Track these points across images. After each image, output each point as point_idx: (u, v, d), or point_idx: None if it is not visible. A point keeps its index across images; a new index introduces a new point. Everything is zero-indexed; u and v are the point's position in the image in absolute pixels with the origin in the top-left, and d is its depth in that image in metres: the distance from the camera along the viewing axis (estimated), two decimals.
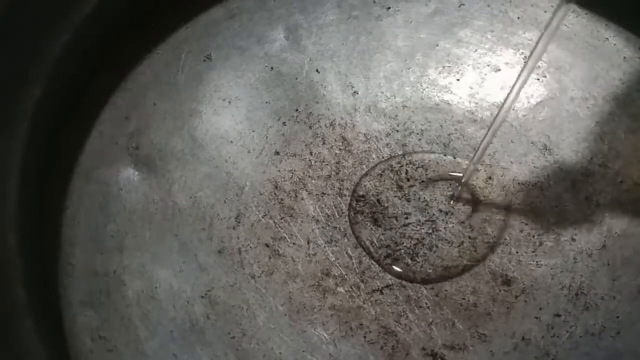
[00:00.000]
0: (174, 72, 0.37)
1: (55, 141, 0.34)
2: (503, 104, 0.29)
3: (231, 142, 0.36)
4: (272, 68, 0.38)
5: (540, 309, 0.32)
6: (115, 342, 0.28)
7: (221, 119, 0.37)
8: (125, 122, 0.35)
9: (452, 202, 0.35)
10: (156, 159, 0.34)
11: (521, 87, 0.28)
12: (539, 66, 0.39)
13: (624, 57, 0.38)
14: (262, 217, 0.34)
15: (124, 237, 0.32)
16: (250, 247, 0.33)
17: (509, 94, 0.29)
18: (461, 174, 0.35)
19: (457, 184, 0.35)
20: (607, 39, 0.38)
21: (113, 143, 0.34)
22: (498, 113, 0.30)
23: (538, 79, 0.39)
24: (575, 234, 0.34)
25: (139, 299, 0.30)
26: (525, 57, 0.39)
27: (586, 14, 0.39)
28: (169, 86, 0.36)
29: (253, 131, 0.37)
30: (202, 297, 0.31)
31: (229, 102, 0.37)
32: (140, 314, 0.29)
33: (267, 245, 0.34)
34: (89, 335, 0.28)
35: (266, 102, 0.38)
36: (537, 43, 0.27)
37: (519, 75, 0.28)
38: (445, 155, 0.37)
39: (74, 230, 0.31)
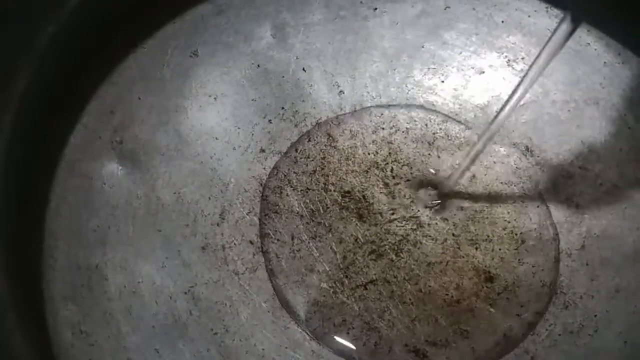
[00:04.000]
0: (160, 67, 0.37)
1: (40, 134, 0.33)
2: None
3: (216, 138, 0.36)
4: (258, 65, 0.38)
5: (521, 306, 0.32)
6: (97, 336, 0.28)
7: (207, 115, 0.37)
8: (110, 116, 0.35)
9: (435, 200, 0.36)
10: (140, 154, 0.34)
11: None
12: (522, 69, 0.39)
13: (604, 62, 0.38)
14: (247, 214, 0.34)
15: (106, 232, 0.31)
16: (235, 243, 0.33)
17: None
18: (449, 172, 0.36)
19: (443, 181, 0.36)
20: (589, 44, 0.39)
21: (97, 137, 0.34)
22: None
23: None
24: (556, 234, 0.35)
25: (121, 294, 0.30)
26: (509, 60, 0.40)
27: None
28: (154, 81, 0.36)
29: (239, 128, 0.37)
30: (185, 293, 0.31)
31: (215, 98, 0.37)
32: (122, 308, 0.29)
33: (251, 242, 0.34)
34: (70, 330, 0.28)
35: (252, 100, 0.38)
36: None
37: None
38: (430, 153, 0.37)
39: (56, 223, 0.31)
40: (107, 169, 0.33)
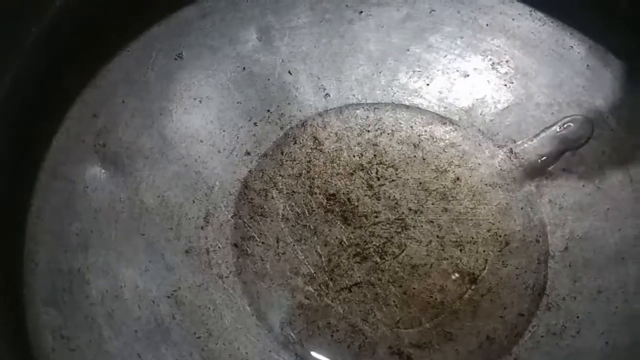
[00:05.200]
0: (144, 70, 0.37)
1: (21, 138, 0.33)
2: None
3: (201, 141, 0.36)
4: (244, 68, 0.38)
5: (504, 308, 0.32)
6: (78, 341, 0.28)
7: (191, 118, 0.36)
8: (93, 119, 0.35)
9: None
10: (124, 157, 0.34)
11: None
12: (507, 72, 0.40)
13: (587, 65, 0.39)
14: (231, 217, 0.34)
15: (89, 236, 0.31)
16: (219, 247, 0.33)
17: None
18: None
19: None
20: (572, 47, 0.39)
21: (80, 140, 0.34)
22: None
23: (505, 85, 0.40)
24: (539, 236, 0.35)
25: (103, 298, 0.29)
26: (493, 63, 0.40)
27: (552, 22, 0.40)
28: (138, 84, 0.36)
29: (224, 131, 0.37)
30: (168, 297, 0.31)
31: (200, 101, 0.37)
32: (104, 313, 0.29)
33: (235, 245, 0.33)
34: (51, 334, 0.28)
35: (237, 102, 0.38)
36: None
37: None
38: (415, 155, 0.37)
39: (38, 227, 0.31)
40: (90, 173, 0.33)
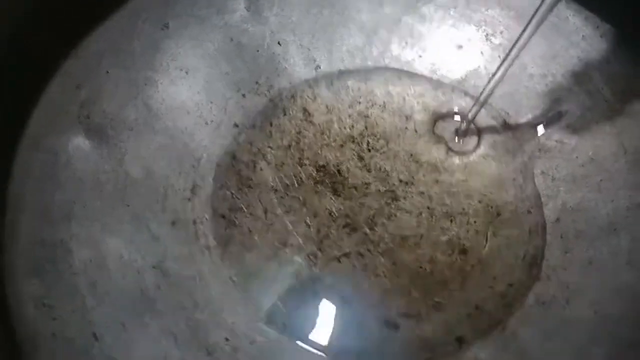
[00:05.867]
0: (129, 40, 0.36)
1: (3, 109, 0.32)
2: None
3: (188, 113, 0.35)
4: (232, 39, 0.37)
5: (494, 278, 0.32)
6: (60, 310, 0.27)
7: (178, 89, 0.36)
8: (77, 90, 0.34)
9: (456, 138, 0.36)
10: (108, 129, 0.33)
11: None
12: (500, 44, 0.39)
13: (583, 36, 0.38)
14: (219, 189, 0.34)
15: (72, 206, 0.31)
16: (206, 218, 0.33)
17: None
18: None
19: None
20: (567, 17, 0.39)
21: (63, 111, 0.33)
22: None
23: (499, 56, 0.39)
24: (532, 207, 0.34)
25: (86, 268, 0.29)
26: (487, 34, 0.39)
27: None
28: (123, 54, 0.35)
29: (211, 102, 0.36)
30: (154, 267, 0.30)
31: (187, 72, 0.36)
32: (87, 282, 0.28)
33: (223, 216, 0.33)
34: (33, 304, 0.27)
35: (225, 74, 0.37)
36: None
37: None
38: (407, 126, 0.37)
39: (20, 198, 0.30)
40: (74, 144, 0.33)
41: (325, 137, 0.36)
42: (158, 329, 0.28)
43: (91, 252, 0.30)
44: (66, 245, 0.30)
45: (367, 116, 0.37)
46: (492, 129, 0.37)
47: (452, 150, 0.36)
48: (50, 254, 0.29)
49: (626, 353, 0.29)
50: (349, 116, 0.37)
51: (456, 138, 0.36)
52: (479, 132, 0.37)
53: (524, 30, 0.28)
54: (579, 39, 0.38)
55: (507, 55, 0.29)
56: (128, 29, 0.36)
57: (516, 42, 0.29)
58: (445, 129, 0.37)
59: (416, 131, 0.37)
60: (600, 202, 0.34)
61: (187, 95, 0.36)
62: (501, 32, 0.39)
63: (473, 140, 0.37)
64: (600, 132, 0.36)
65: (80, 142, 0.33)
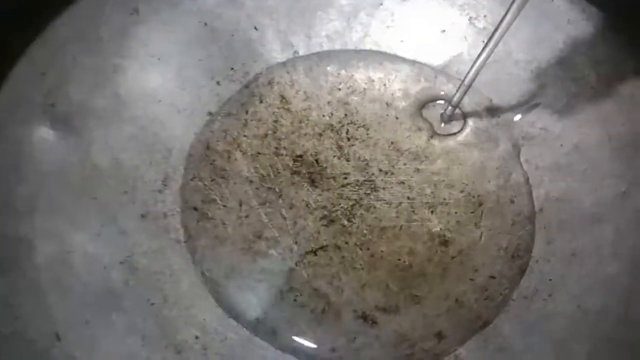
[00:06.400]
0: (96, 25, 0.34)
1: None
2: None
3: (159, 101, 0.34)
4: (205, 24, 0.36)
5: (475, 270, 0.31)
6: (23, 309, 0.26)
7: (149, 76, 0.34)
8: (41, 77, 0.32)
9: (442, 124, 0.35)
10: (74, 118, 0.32)
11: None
12: (484, 28, 0.38)
13: (568, 20, 0.37)
14: (191, 180, 0.33)
15: (36, 199, 0.29)
16: (177, 210, 0.32)
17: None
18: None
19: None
20: (552, 0, 0.37)
21: (27, 100, 0.32)
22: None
23: (483, 41, 0.38)
24: (515, 197, 0.34)
25: (50, 264, 0.28)
26: (470, 18, 0.38)
27: None
28: (90, 40, 0.34)
29: (184, 90, 0.35)
30: (122, 262, 0.29)
31: (158, 58, 0.35)
32: (50, 279, 0.27)
33: (195, 208, 0.32)
34: None
35: (199, 60, 0.35)
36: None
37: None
38: (387, 114, 0.36)
39: None
40: (38, 134, 0.31)
41: (303, 125, 0.35)
42: (124, 326, 0.27)
43: (55, 247, 0.28)
44: (30, 240, 0.28)
45: (347, 103, 0.36)
46: (476, 115, 0.36)
47: (437, 134, 0.35)
48: (13, 251, 0.28)
49: (607, 347, 0.28)
50: (328, 103, 0.36)
51: (442, 124, 0.35)
52: (465, 117, 0.36)
53: (506, 13, 0.27)
54: (564, 23, 0.37)
55: (490, 38, 0.28)
56: (95, 14, 0.35)
57: (499, 24, 0.27)
58: (429, 115, 0.36)
59: (397, 118, 0.36)
60: (584, 192, 0.33)
61: (158, 82, 0.34)
62: (485, 16, 0.38)
63: (458, 125, 0.36)
64: (585, 119, 0.35)
65: (44, 132, 0.31)
